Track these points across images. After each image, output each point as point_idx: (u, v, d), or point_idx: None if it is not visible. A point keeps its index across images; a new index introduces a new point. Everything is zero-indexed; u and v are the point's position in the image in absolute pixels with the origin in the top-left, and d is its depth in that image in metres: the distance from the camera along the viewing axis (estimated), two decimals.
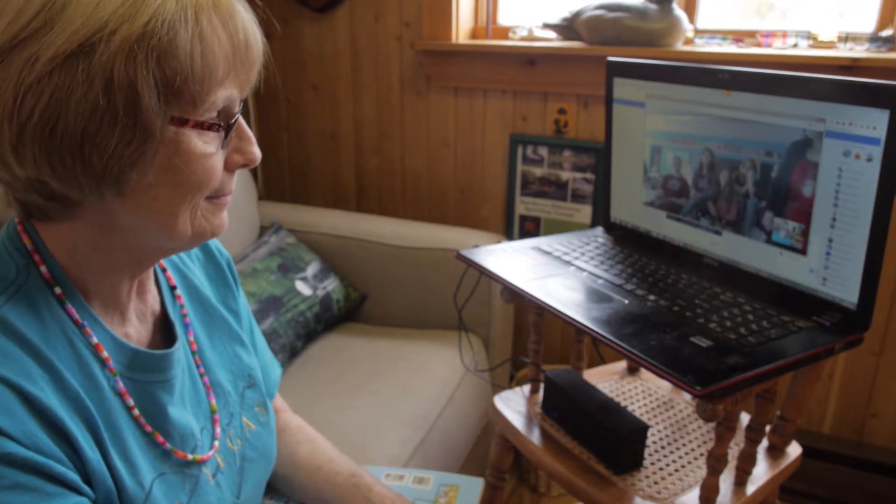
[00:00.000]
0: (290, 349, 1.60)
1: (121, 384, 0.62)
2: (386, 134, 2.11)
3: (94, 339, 0.60)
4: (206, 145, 0.57)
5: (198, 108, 0.56)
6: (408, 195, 2.15)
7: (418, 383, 1.51)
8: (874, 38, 1.53)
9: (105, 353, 0.61)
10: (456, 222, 2.08)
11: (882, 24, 1.60)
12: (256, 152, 0.63)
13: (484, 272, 1.03)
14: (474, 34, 2.00)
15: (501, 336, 1.78)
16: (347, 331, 1.79)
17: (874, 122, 0.79)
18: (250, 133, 0.63)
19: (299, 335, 1.63)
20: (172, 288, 0.74)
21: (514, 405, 1.12)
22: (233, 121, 0.60)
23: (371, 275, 1.84)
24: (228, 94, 0.58)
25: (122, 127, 0.52)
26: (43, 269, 0.59)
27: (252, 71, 0.60)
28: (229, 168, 0.62)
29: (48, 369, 0.55)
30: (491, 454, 1.15)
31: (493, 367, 1.76)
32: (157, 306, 0.72)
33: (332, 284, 1.77)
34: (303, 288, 1.70)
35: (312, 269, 1.77)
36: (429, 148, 2.07)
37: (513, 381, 1.97)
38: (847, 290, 0.85)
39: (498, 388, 1.41)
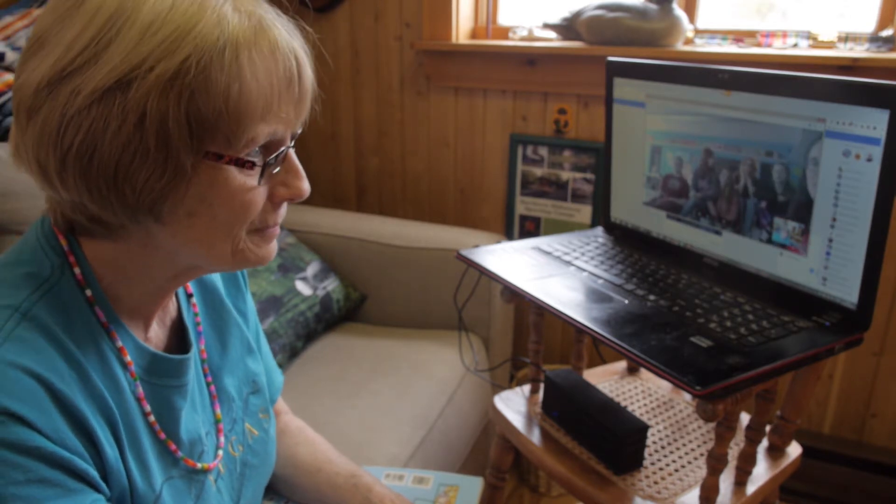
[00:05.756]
0: (290, 349, 1.60)
1: (140, 389, 0.62)
2: (386, 134, 2.11)
3: (119, 343, 0.61)
4: (244, 180, 0.57)
5: (233, 145, 0.55)
6: (408, 195, 2.15)
7: (418, 383, 1.51)
8: (874, 38, 1.53)
9: (128, 358, 0.62)
10: (456, 222, 2.08)
11: (882, 24, 1.60)
12: (304, 187, 0.62)
13: (484, 272, 1.03)
14: (474, 34, 2.00)
15: (501, 336, 1.78)
16: (347, 331, 1.79)
17: (874, 122, 0.79)
18: (299, 167, 0.62)
19: (299, 335, 1.63)
20: (189, 295, 0.75)
21: (514, 405, 1.11)
22: (272, 157, 0.59)
23: (371, 275, 1.84)
24: (272, 130, 0.57)
25: (154, 161, 0.53)
26: (77, 270, 0.60)
27: (299, 106, 0.59)
28: (274, 201, 0.62)
29: (76, 367, 0.56)
30: (491, 454, 1.15)
31: (493, 367, 1.76)
32: (174, 311, 0.73)
33: (332, 284, 1.77)
34: (303, 288, 1.70)
35: (312, 269, 1.77)
36: (429, 148, 2.07)
37: (513, 381, 1.97)
38: (847, 290, 0.85)
39: (498, 388, 1.41)
